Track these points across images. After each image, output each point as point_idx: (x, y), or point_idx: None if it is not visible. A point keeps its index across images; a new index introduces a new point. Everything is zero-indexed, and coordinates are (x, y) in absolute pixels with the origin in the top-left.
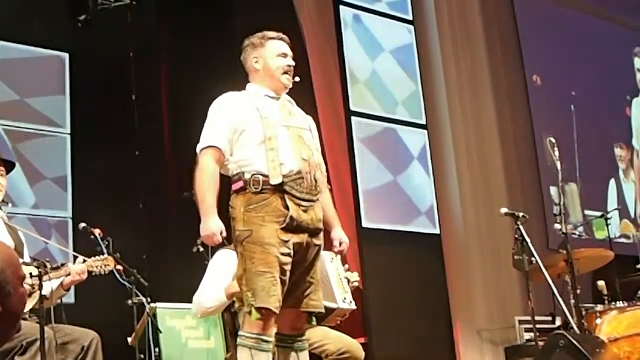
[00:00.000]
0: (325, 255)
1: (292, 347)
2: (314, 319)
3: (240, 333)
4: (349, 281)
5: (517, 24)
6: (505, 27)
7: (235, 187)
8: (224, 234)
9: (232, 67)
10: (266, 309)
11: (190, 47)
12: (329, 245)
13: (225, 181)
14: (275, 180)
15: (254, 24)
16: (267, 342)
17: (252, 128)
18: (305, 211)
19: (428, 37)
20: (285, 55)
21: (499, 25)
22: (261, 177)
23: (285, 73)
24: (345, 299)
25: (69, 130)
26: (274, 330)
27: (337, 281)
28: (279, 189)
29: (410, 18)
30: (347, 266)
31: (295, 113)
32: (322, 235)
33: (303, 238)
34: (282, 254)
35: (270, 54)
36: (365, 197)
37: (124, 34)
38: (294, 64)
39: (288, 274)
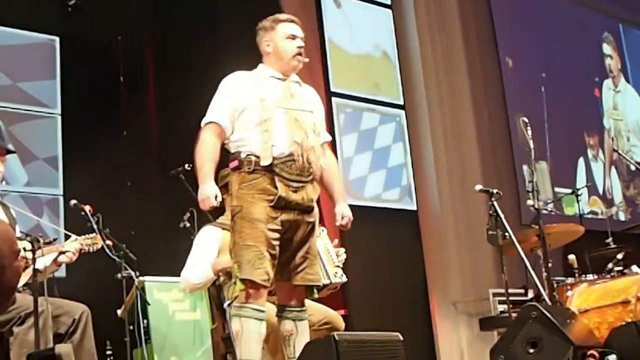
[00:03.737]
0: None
1: (291, 317)
2: (315, 291)
3: (233, 304)
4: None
5: (491, 7)
6: (480, 10)
7: (231, 165)
8: (219, 198)
9: (216, 51)
10: (250, 281)
11: (175, 30)
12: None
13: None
14: (265, 162)
15: (237, 7)
16: (257, 310)
17: (250, 109)
18: (295, 191)
19: (405, 21)
20: (294, 37)
21: (474, 9)
22: (253, 158)
23: (295, 55)
24: (336, 273)
25: (59, 111)
26: (264, 300)
27: (326, 256)
28: (269, 170)
29: (389, 2)
30: (336, 241)
31: (298, 95)
32: (314, 212)
33: (292, 215)
34: (270, 230)
35: (280, 36)
36: (344, 175)
37: (112, 17)
38: (302, 44)
39: (277, 248)
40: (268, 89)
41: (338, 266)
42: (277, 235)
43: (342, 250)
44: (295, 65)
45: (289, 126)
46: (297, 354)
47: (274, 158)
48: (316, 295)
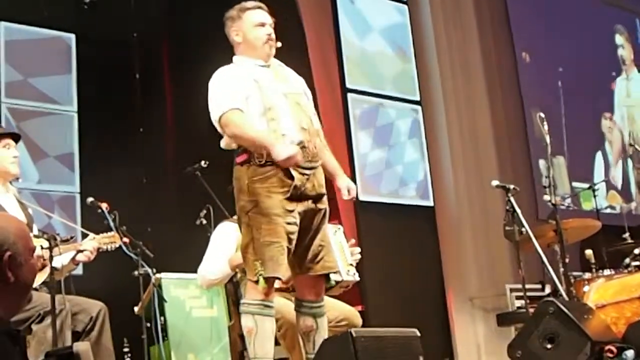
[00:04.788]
0: (328, 227)
1: (311, 312)
2: (331, 279)
3: (242, 301)
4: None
5: (506, 1)
6: (495, 5)
7: (239, 159)
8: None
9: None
10: (274, 278)
11: (191, 26)
12: (332, 215)
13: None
14: None
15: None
16: (270, 307)
17: (252, 97)
18: (308, 179)
19: (421, 16)
20: (262, 25)
21: (489, 3)
22: (264, 150)
23: (265, 42)
24: (348, 271)
25: (75, 109)
26: (274, 295)
27: (340, 253)
28: None
29: None
30: (352, 240)
31: (289, 78)
32: (325, 199)
33: (307, 205)
34: (288, 223)
35: (247, 25)
36: (361, 172)
37: (127, 15)
38: (272, 31)
39: (294, 242)
40: (260, 76)
41: (351, 264)
42: (295, 228)
43: (358, 250)
44: (268, 51)
45: (293, 112)
46: (317, 350)
47: None
48: (332, 283)
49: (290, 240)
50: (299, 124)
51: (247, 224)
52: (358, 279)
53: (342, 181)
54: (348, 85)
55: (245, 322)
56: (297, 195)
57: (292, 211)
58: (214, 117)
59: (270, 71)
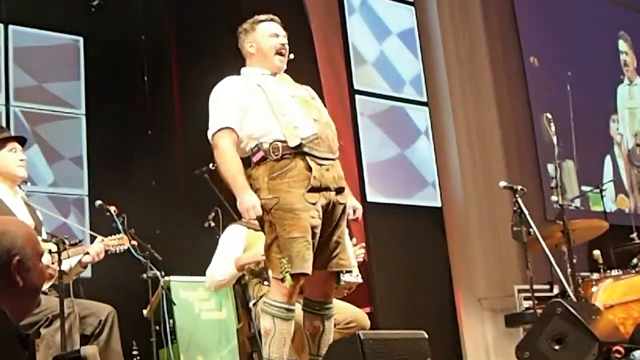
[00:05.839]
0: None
1: (319, 313)
2: (341, 278)
3: (264, 299)
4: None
5: (513, 4)
6: (503, 7)
7: (255, 158)
8: (259, 207)
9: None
10: (302, 274)
11: (199, 29)
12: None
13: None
14: (294, 142)
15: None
16: (290, 310)
17: (258, 103)
18: (327, 170)
19: (428, 17)
20: (276, 35)
21: (497, 6)
22: (280, 144)
23: (278, 53)
24: (351, 272)
25: (83, 111)
26: (295, 297)
27: None
28: (299, 152)
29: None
30: (354, 240)
31: (294, 85)
32: (345, 193)
33: (329, 197)
34: (312, 217)
35: (261, 36)
36: (369, 173)
37: (135, 17)
38: (285, 41)
39: (317, 237)
40: (266, 83)
41: (354, 266)
42: (318, 222)
43: (362, 251)
44: (276, 64)
45: (302, 107)
46: (321, 352)
47: (301, 139)
48: (342, 283)
49: (314, 235)
50: (310, 116)
51: (270, 221)
52: (361, 280)
53: (349, 202)
54: (356, 86)
55: (263, 322)
56: (317, 187)
57: (314, 204)
58: (208, 134)
59: (276, 79)
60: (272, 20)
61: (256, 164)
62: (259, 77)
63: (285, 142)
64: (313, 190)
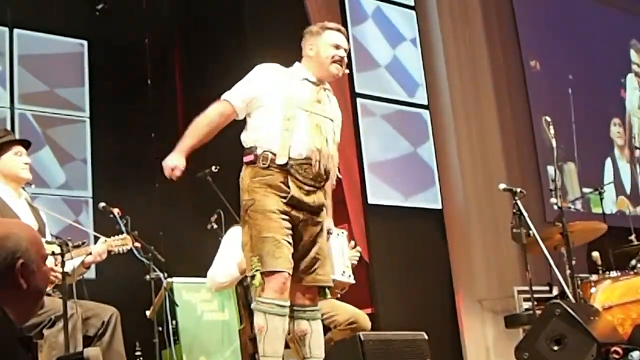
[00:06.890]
0: (333, 230)
1: (305, 316)
2: (327, 292)
3: (256, 298)
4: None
5: (514, 8)
6: (503, 11)
7: (246, 159)
8: (179, 171)
9: (244, 52)
10: (276, 272)
11: (203, 32)
12: (342, 219)
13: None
14: (281, 160)
15: (263, 9)
16: (282, 306)
17: (275, 106)
18: (307, 194)
19: (429, 21)
20: (338, 47)
21: (497, 10)
22: (270, 155)
23: (335, 62)
24: (344, 272)
25: (88, 114)
26: (288, 295)
27: (339, 255)
28: (284, 169)
29: (412, 4)
30: (352, 242)
31: (324, 102)
32: (323, 213)
33: (302, 215)
34: (283, 219)
35: (324, 43)
36: (370, 175)
37: (139, 21)
38: (344, 55)
39: (291, 238)
40: (297, 89)
41: (347, 266)
42: (290, 225)
43: (357, 254)
44: (332, 73)
45: (310, 131)
46: (313, 353)
47: (290, 158)
48: (328, 297)
49: (287, 234)
50: (312, 142)
51: (246, 221)
52: (353, 281)
53: (326, 222)
54: (357, 90)
55: (256, 320)
56: (293, 204)
57: (286, 213)
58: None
59: (313, 89)
60: (339, 30)
61: (246, 164)
62: (298, 80)
63: (275, 155)
64: (288, 204)
